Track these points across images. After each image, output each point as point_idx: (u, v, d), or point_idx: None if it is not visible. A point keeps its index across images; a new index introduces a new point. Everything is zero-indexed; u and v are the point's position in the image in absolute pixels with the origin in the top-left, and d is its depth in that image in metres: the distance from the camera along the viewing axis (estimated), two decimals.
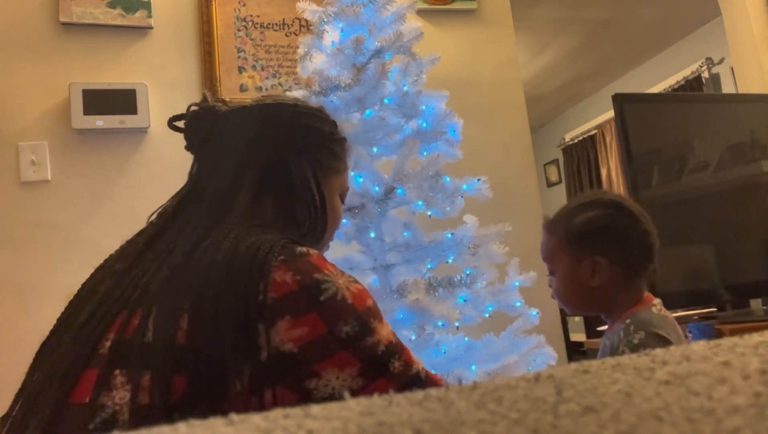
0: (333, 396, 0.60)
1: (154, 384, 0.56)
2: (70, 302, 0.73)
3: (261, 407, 0.58)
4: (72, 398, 0.58)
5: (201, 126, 0.80)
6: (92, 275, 0.75)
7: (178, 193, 0.80)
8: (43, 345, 0.70)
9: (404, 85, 1.38)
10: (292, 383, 0.60)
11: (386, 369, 0.64)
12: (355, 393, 0.60)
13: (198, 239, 0.67)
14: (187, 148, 0.83)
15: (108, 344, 0.61)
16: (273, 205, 0.77)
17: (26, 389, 0.67)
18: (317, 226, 0.78)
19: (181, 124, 0.83)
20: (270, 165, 0.77)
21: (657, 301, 1.04)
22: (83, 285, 0.74)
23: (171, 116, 0.84)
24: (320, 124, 0.84)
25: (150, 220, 0.78)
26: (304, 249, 0.66)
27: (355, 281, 0.68)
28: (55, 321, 0.71)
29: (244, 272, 0.61)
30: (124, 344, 0.60)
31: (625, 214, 1.05)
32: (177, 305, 0.60)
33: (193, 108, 0.82)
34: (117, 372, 0.59)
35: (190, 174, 0.81)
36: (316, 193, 0.78)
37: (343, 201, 0.90)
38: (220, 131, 0.79)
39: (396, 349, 0.66)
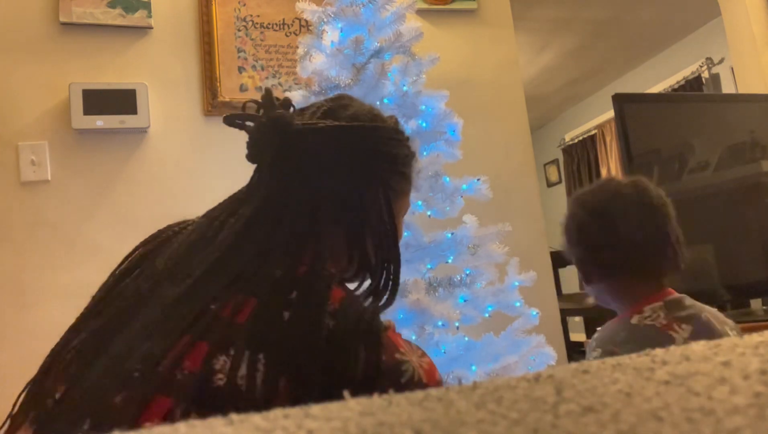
0: None
1: None
2: (105, 294, 0.67)
3: None
4: (123, 417, 0.54)
5: (272, 139, 0.72)
6: (130, 272, 0.69)
7: (234, 204, 0.73)
8: (63, 347, 0.64)
9: (404, 85, 1.38)
10: None
11: None
12: None
13: (289, 286, 0.62)
14: (249, 158, 0.75)
15: (184, 373, 0.56)
16: (346, 238, 0.73)
17: (49, 392, 0.61)
18: (389, 264, 0.72)
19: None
20: (346, 195, 0.73)
21: (654, 305, 0.96)
22: (125, 277, 0.68)
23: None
24: (398, 149, 0.78)
25: (199, 225, 0.72)
26: (386, 322, 0.65)
27: (424, 355, 0.66)
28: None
29: (349, 345, 0.59)
30: (187, 377, 0.55)
31: (592, 214, 0.99)
32: (276, 364, 0.56)
33: (251, 108, 0.75)
34: (176, 403, 0.54)
35: (253, 186, 0.74)
36: (388, 225, 0.74)
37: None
38: (292, 150, 0.72)
39: None
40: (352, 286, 0.74)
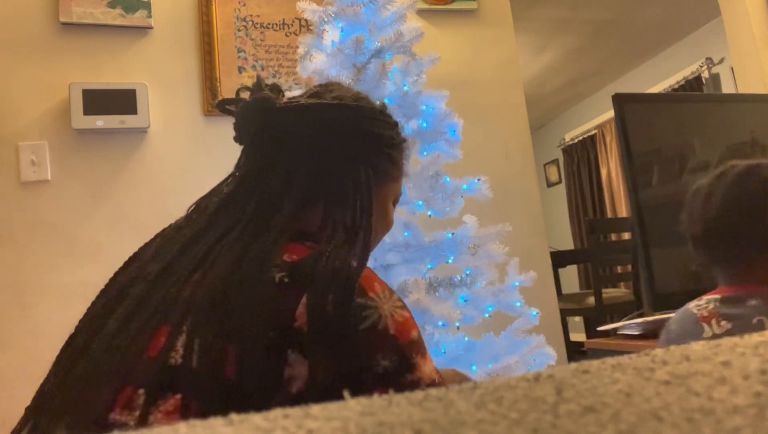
0: None
1: (178, 409, 0.52)
2: (99, 299, 0.67)
3: None
4: (110, 415, 0.54)
5: (254, 118, 0.74)
6: (122, 269, 0.69)
7: (219, 187, 0.74)
8: (69, 344, 0.64)
9: (404, 85, 1.38)
10: None
11: None
12: None
13: (240, 253, 0.61)
14: (236, 139, 0.77)
15: (132, 358, 0.56)
16: (322, 211, 0.72)
17: (48, 396, 0.61)
18: (363, 234, 0.69)
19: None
20: (323, 170, 0.72)
21: (715, 297, 0.97)
22: (113, 281, 0.68)
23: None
24: (381, 129, 0.77)
25: (189, 213, 0.73)
26: (342, 265, 0.61)
27: (403, 307, 0.62)
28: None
29: (281, 296, 0.57)
30: (149, 361, 0.55)
31: (692, 196, 1.02)
32: (222, 334, 0.55)
33: (246, 94, 0.76)
34: (141, 391, 0.54)
35: (237, 167, 0.76)
36: (366, 202, 0.72)
37: (395, 205, 0.85)
38: (273, 128, 0.73)
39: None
40: None
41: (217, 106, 0.77)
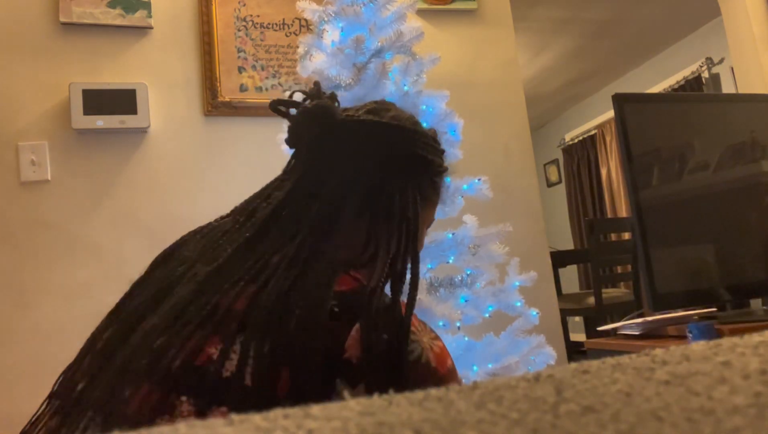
0: None
1: None
2: (137, 290, 0.67)
3: None
4: (129, 411, 0.54)
5: (314, 126, 0.73)
6: (161, 264, 0.69)
7: (268, 191, 0.74)
8: (102, 331, 0.64)
9: (404, 85, 1.38)
10: None
11: None
12: None
13: (297, 276, 0.61)
14: (289, 142, 0.77)
15: (177, 363, 0.55)
16: (368, 232, 0.71)
17: (77, 380, 0.60)
18: (403, 264, 0.70)
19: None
20: (376, 189, 0.72)
21: None
22: (150, 274, 0.68)
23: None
24: (433, 155, 0.79)
25: (234, 215, 0.72)
26: (392, 301, 0.62)
27: (437, 338, 0.64)
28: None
29: (332, 326, 0.58)
30: (194, 370, 0.55)
31: None
32: (277, 355, 0.55)
33: (300, 95, 0.76)
34: (183, 398, 0.54)
35: (287, 173, 0.76)
36: (413, 224, 0.72)
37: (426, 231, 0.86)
38: (334, 139, 0.73)
39: None
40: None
41: (270, 105, 0.76)
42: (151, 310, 0.61)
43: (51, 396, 0.62)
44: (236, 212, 0.73)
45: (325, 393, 0.55)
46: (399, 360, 0.58)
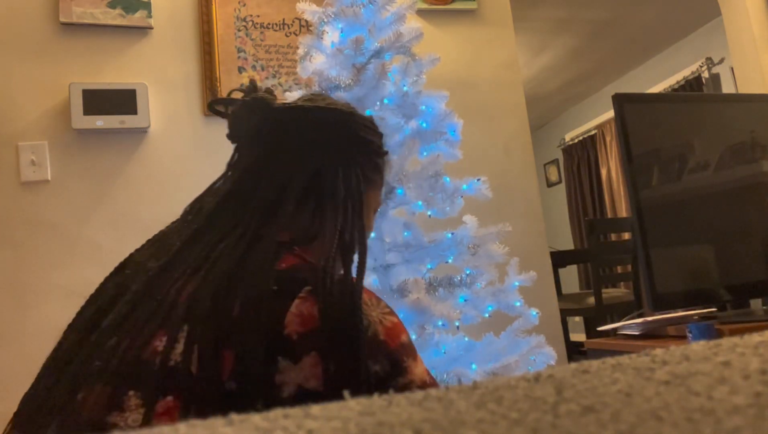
0: None
1: (170, 412, 0.53)
2: (89, 303, 0.68)
3: None
4: (83, 413, 0.55)
5: (252, 118, 0.76)
6: (115, 273, 0.70)
7: (213, 187, 0.75)
8: (56, 350, 0.65)
9: (404, 86, 1.38)
10: None
11: None
12: None
13: (239, 260, 0.62)
14: (230, 136, 0.79)
15: (126, 360, 0.57)
16: (313, 212, 0.72)
17: (39, 393, 0.61)
18: (351, 237, 0.70)
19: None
20: (318, 172, 0.73)
21: None
22: (104, 285, 0.69)
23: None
24: (372, 136, 0.81)
25: (184, 214, 0.74)
26: (343, 274, 0.63)
27: (391, 313, 0.63)
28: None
29: (272, 305, 0.58)
30: (143, 364, 0.56)
31: None
32: (220, 339, 0.56)
33: (238, 94, 0.78)
34: (131, 392, 0.55)
35: (231, 165, 0.77)
36: (357, 200, 0.74)
37: (374, 215, 0.87)
38: (271, 127, 0.75)
39: None
40: None
41: (208, 106, 0.79)
42: (105, 314, 0.63)
43: (15, 415, 0.63)
44: (185, 211, 0.75)
45: (268, 372, 0.55)
46: (353, 331, 0.58)
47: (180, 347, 0.56)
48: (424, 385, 0.60)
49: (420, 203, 1.34)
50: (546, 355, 1.36)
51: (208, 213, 0.69)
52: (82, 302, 0.70)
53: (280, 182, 0.71)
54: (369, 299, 0.62)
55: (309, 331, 0.57)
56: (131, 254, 0.72)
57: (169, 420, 0.53)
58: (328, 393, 0.55)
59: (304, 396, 0.55)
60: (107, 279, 0.70)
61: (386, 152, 0.86)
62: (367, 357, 0.58)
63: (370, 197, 0.83)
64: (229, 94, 0.80)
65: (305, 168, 0.73)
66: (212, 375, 0.54)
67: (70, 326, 0.67)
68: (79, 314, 0.67)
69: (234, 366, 0.54)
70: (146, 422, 0.53)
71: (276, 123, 0.75)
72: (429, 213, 1.36)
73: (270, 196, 0.70)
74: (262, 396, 0.54)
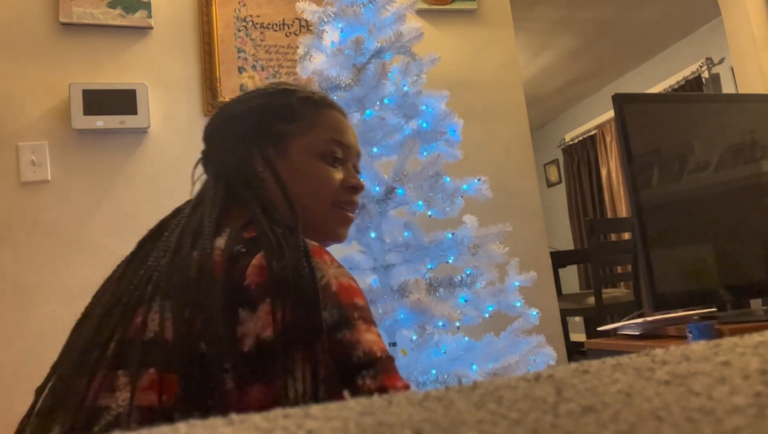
0: (300, 400, 0.56)
1: (153, 384, 0.55)
2: (96, 294, 0.73)
3: (249, 407, 0.55)
4: (94, 401, 0.57)
5: (208, 125, 0.88)
6: (118, 267, 0.75)
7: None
8: (72, 337, 0.69)
9: (404, 86, 1.38)
10: (268, 378, 0.56)
11: (353, 382, 0.57)
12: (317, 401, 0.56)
13: (194, 235, 0.67)
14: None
15: (113, 344, 0.60)
16: (243, 199, 0.75)
17: (48, 390, 0.64)
18: (291, 207, 0.72)
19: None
20: (223, 162, 0.81)
21: None
22: (108, 280, 0.75)
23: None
24: (258, 100, 0.83)
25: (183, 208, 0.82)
26: (303, 241, 0.65)
27: (350, 277, 0.64)
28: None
29: (239, 263, 0.61)
30: (127, 343, 0.59)
31: None
32: (189, 305, 0.59)
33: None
34: (120, 372, 0.57)
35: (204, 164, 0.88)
36: (266, 173, 0.77)
37: (332, 160, 0.82)
38: (210, 134, 0.87)
39: (378, 364, 0.58)
40: None
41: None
42: (92, 314, 0.67)
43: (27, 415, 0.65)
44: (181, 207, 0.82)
45: (230, 323, 0.58)
46: (302, 279, 0.60)
47: (156, 318, 0.59)
48: (371, 354, 0.59)
49: (420, 203, 1.34)
50: (546, 355, 1.36)
51: (172, 215, 0.78)
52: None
53: (211, 181, 0.79)
54: (330, 261, 0.65)
55: (264, 280, 0.60)
56: (129, 255, 0.77)
57: (152, 393, 0.55)
58: (280, 340, 0.57)
59: (261, 350, 0.57)
60: (107, 280, 0.74)
61: (299, 99, 0.83)
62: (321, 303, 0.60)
63: (298, 146, 0.80)
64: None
65: (215, 163, 0.82)
66: (186, 338, 0.57)
67: (77, 322, 0.70)
68: (86, 311, 0.71)
69: (203, 327, 0.57)
70: (132, 397, 0.55)
71: (214, 126, 0.86)
72: (429, 213, 1.36)
73: (218, 187, 0.76)
74: (225, 350, 0.56)
